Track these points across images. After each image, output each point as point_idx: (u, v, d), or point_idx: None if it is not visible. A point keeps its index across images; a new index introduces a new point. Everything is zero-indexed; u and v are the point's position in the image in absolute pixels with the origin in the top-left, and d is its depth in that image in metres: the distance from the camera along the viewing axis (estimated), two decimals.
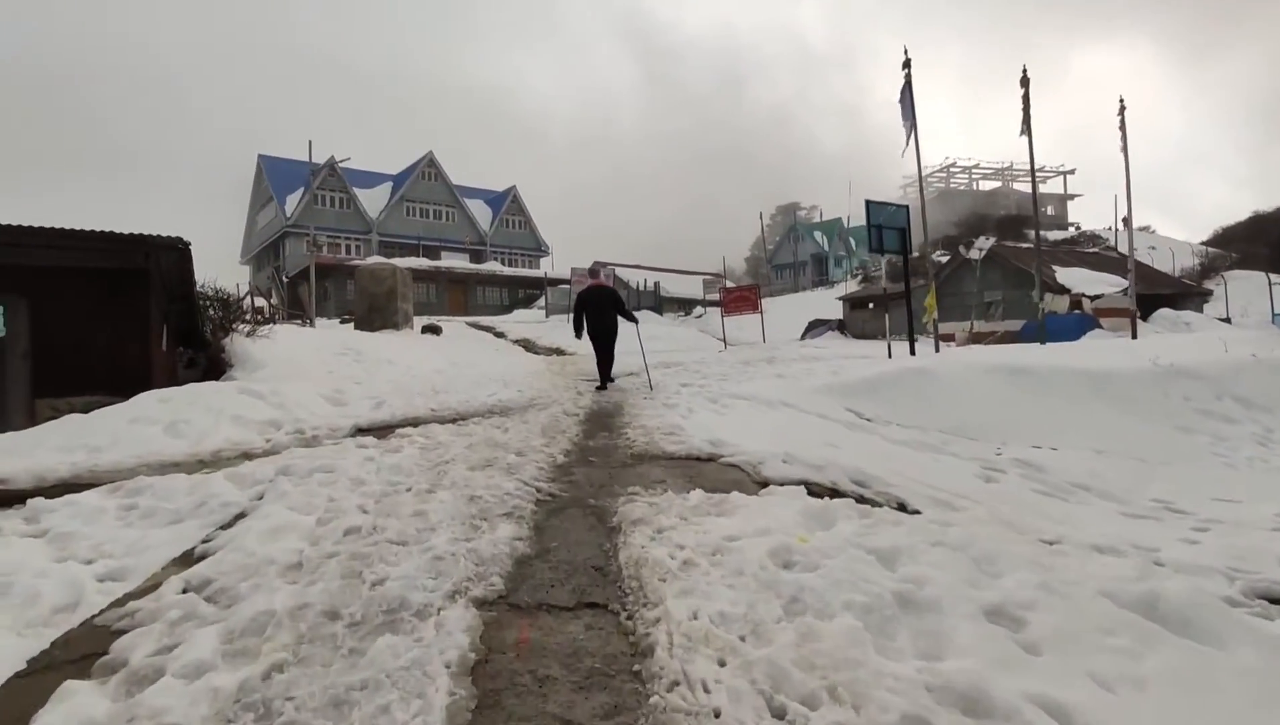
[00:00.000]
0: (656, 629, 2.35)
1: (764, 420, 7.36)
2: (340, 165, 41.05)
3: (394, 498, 3.98)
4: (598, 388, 9.93)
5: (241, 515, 3.88)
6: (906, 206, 12.95)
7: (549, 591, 2.78)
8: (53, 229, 7.64)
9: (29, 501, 4.23)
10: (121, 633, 2.47)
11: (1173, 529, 4.92)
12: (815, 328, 27.24)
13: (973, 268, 26.20)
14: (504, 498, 3.94)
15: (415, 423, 6.80)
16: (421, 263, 41.71)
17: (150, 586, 2.92)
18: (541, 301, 37.89)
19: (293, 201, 43.46)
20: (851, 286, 38.31)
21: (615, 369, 10.48)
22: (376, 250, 43.65)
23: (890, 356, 12.45)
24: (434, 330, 21.76)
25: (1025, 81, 12.79)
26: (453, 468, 4.69)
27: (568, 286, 32.32)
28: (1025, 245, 29.80)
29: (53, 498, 4.31)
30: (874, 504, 4.18)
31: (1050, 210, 52.58)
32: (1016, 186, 59.51)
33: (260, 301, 25.13)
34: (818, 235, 62.28)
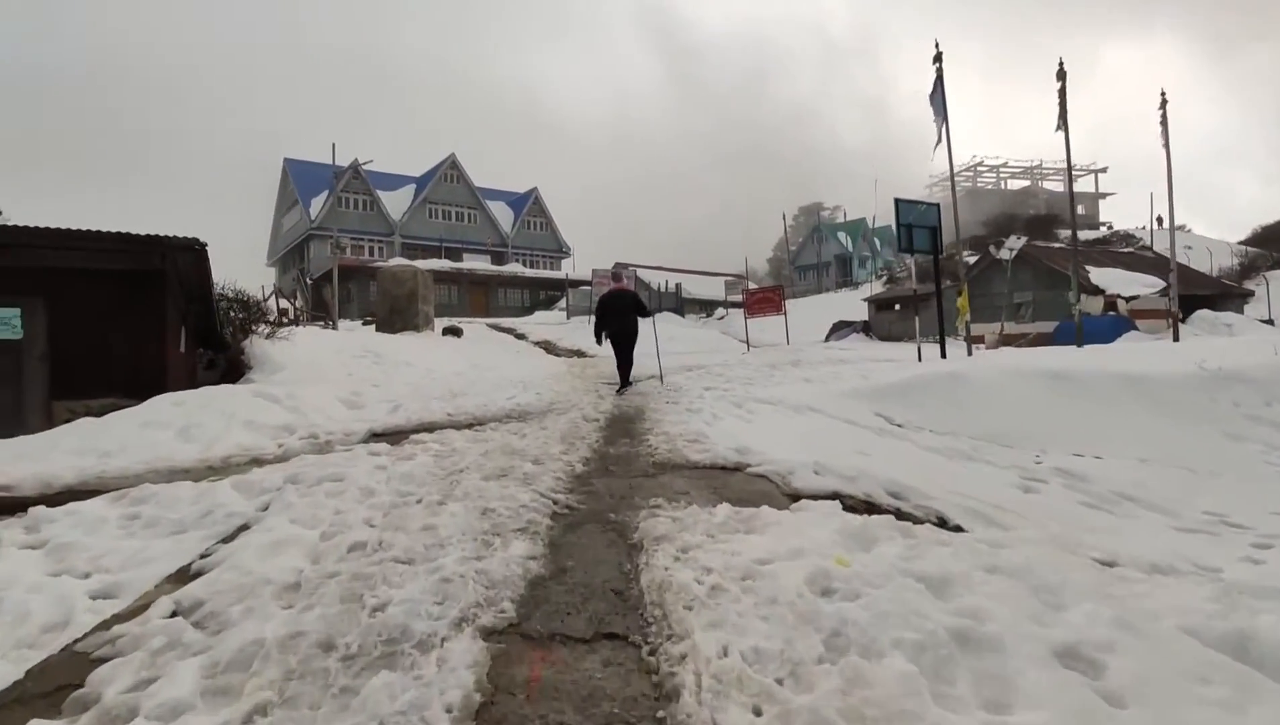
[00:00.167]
0: (682, 668, 2.10)
1: (791, 426, 7.08)
2: (363, 167, 41.28)
3: (403, 510, 3.77)
4: (617, 391, 9.89)
5: (245, 527, 3.70)
6: (937, 205, 12.56)
7: (564, 619, 2.54)
8: (69, 230, 7.58)
9: (31, 510, 4.09)
10: (102, 661, 2.28)
11: (1232, 546, 4.58)
12: (839, 329, 26.79)
13: (1002, 268, 25.56)
14: (518, 511, 3.72)
15: (431, 428, 6.62)
16: (443, 264, 41.86)
17: (140, 607, 2.73)
18: (562, 303, 37.79)
19: (317, 204, 43.82)
20: (876, 288, 37.73)
21: (635, 372, 10.40)
22: (399, 252, 43.86)
23: (920, 359, 12.08)
24: (455, 332, 21.69)
25: (1061, 75, 12.34)
26: (466, 477, 4.48)
27: (589, 288, 32.22)
28: (1057, 245, 29.11)
29: (56, 506, 4.18)
30: (913, 520, 3.90)
31: (1082, 209, 51.38)
32: (1045, 185, 58.39)
33: (284, 303, 25.31)
34: (842, 236, 61.51)
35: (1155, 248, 32.99)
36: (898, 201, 12.04)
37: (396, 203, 48.06)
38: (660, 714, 1.94)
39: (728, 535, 3.29)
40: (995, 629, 2.22)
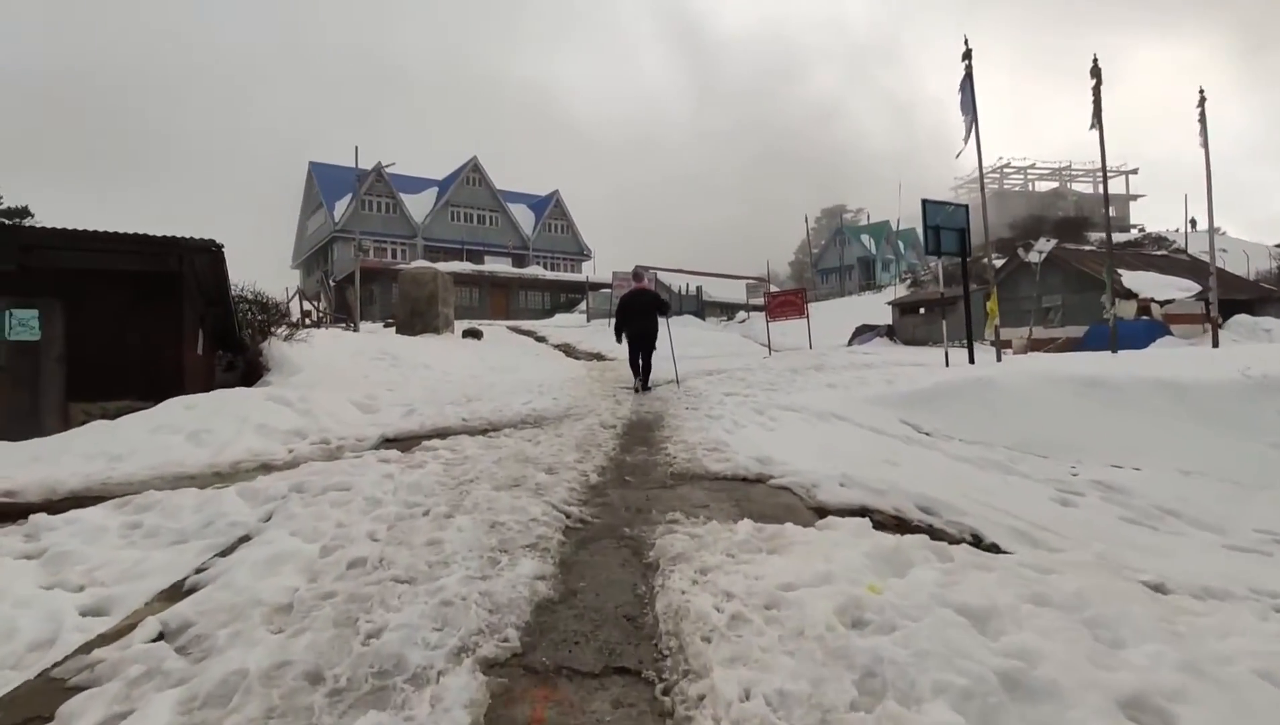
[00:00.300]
0: (700, 713, 1.90)
1: (815, 434, 6.84)
2: (386, 170, 41.60)
3: (409, 523, 3.60)
4: (634, 389, 9.93)
5: (245, 539, 3.56)
6: (966, 206, 12.20)
7: (572, 649, 2.34)
8: (86, 232, 7.56)
9: (31, 517, 3.99)
10: (76, 690, 2.12)
11: None
12: (863, 333, 26.33)
13: (1031, 271, 24.98)
14: (529, 525, 3.54)
15: (444, 434, 6.47)
16: (465, 267, 42.01)
17: (126, 627, 2.59)
18: (583, 306, 37.71)
19: (341, 207, 44.16)
20: (900, 291, 37.14)
21: (654, 377, 10.33)
22: (421, 254, 44.09)
23: (948, 365, 11.74)
24: (474, 334, 21.64)
25: (1096, 72, 11.93)
26: (476, 487, 4.30)
27: (609, 290, 32.08)
28: (1087, 248, 28.43)
29: (59, 513, 4.07)
30: (948, 539, 3.66)
31: (1112, 211, 50.35)
32: (1074, 187, 57.26)
33: (307, 305, 25.47)
34: (865, 238, 60.77)
35: (1190, 250, 32.15)
36: (925, 203, 11.70)
37: (419, 205, 48.35)
38: None
39: (749, 555, 3.08)
40: (1050, 673, 1.98)
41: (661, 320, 10.29)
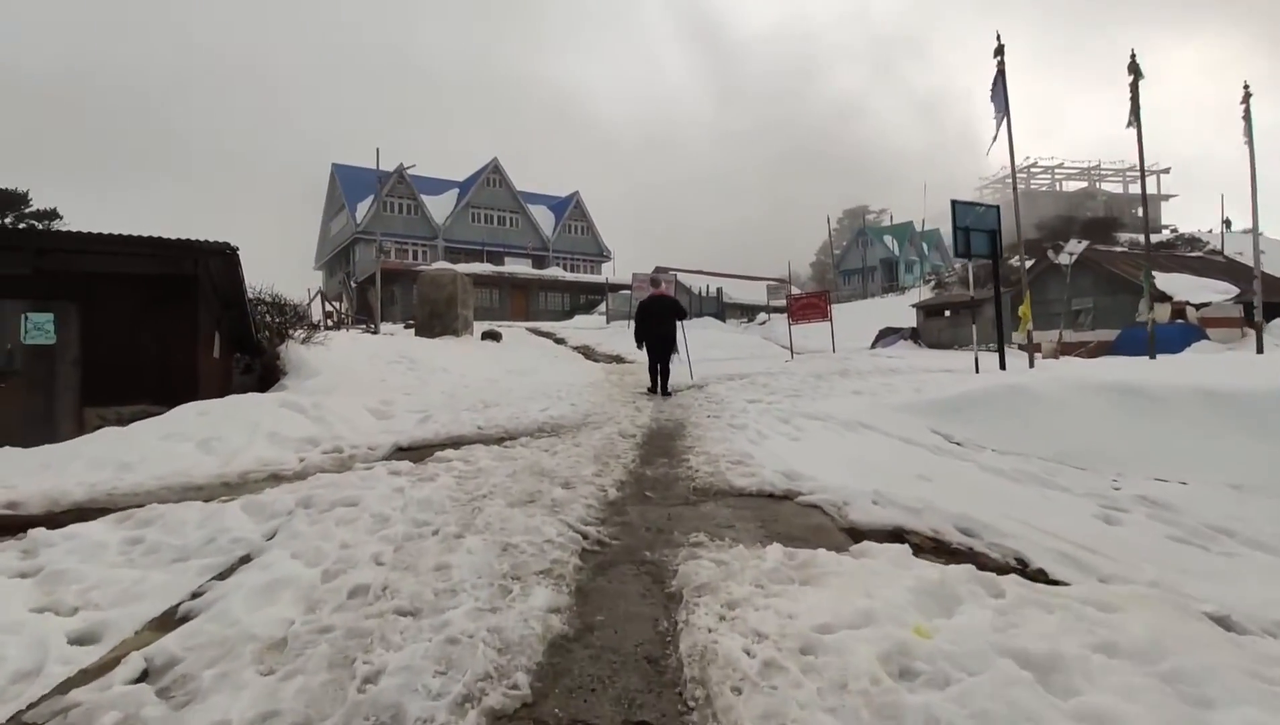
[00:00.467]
0: None
1: (842, 445, 6.58)
2: (407, 172, 41.82)
3: (417, 544, 3.41)
4: (649, 391, 10.01)
5: (246, 559, 3.39)
6: (997, 207, 11.82)
7: (587, 699, 2.12)
8: (101, 235, 7.49)
9: (30, 532, 3.85)
10: None
11: None
12: (886, 336, 25.84)
13: (1061, 273, 24.39)
14: (543, 548, 3.32)
15: (458, 443, 6.30)
16: (485, 268, 42.09)
17: (111, 661, 2.41)
18: (602, 307, 37.57)
19: (363, 209, 44.47)
20: (924, 293, 36.53)
21: (673, 382, 10.30)
22: (442, 256, 44.28)
23: (978, 370, 11.38)
24: (494, 336, 21.54)
25: (1134, 68, 11.53)
26: (489, 503, 4.10)
27: (629, 292, 31.87)
28: (1119, 249, 27.75)
29: (59, 527, 3.93)
30: (996, 567, 3.39)
31: (1142, 211, 49.27)
32: (1104, 186, 56.04)
33: (329, 306, 25.56)
34: (888, 239, 59.93)
35: (1226, 251, 31.28)
36: (955, 203, 11.34)
37: (440, 207, 48.57)
38: None
39: (780, 587, 2.84)
40: None
41: (678, 325, 10.41)
